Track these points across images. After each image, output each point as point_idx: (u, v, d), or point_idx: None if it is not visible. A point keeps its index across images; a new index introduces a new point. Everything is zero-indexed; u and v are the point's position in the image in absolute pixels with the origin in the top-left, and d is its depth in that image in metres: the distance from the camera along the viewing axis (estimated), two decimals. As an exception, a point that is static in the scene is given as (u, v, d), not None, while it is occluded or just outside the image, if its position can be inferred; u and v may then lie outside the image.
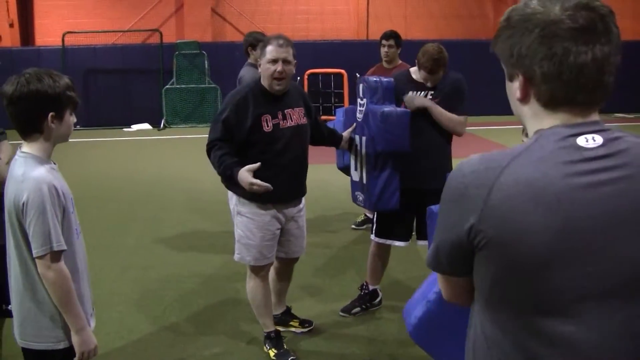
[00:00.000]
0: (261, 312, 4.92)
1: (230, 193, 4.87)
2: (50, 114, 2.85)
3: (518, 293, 1.60)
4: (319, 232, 8.06)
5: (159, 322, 5.51)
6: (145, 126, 17.96)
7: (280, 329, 5.17)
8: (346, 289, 6.05)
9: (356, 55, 17.74)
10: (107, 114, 18.19)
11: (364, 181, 5.26)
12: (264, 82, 4.61)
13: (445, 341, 2.49)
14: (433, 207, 3.63)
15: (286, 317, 5.36)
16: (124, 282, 6.35)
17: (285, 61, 4.53)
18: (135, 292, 6.15)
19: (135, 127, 17.91)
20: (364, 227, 7.94)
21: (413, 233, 5.52)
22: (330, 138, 5.28)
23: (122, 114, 18.17)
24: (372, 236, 5.55)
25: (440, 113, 5.16)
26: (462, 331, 1.92)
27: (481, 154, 1.68)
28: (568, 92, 1.61)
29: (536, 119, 1.68)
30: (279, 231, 4.81)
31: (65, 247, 2.86)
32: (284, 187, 4.59)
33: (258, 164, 4.37)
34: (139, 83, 18.48)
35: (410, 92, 5.24)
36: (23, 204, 2.79)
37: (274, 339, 4.92)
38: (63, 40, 17.82)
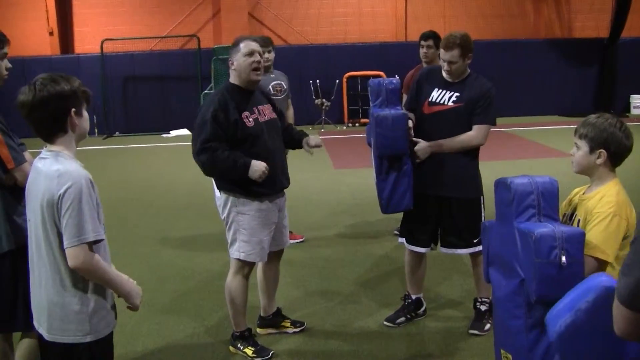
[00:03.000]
0: (240, 311, 5.00)
1: (221, 198, 4.94)
2: (72, 109, 2.96)
3: None
4: (360, 237, 7.94)
5: (197, 334, 5.42)
6: (184, 132, 17.96)
7: (273, 330, 5.39)
8: (389, 298, 5.92)
9: (395, 57, 17.62)
10: (146, 120, 18.28)
11: (376, 184, 5.25)
12: (241, 78, 4.80)
13: (589, 351, 2.50)
14: (486, 222, 3.52)
15: (277, 318, 5.44)
16: (163, 292, 6.28)
17: (260, 53, 4.78)
18: (175, 303, 6.07)
19: (174, 133, 17.94)
20: (406, 232, 7.78)
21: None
22: (289, 137, 5.24)
23: (161, 120, 18.23)
24: (399, 238, 5.54)
25: (451, 145, 5.08)
26: (609, 343, 1.95)
27: None
28: None
29: None
30: (274, 225, 4.99)
31: (103, 237, 2.98)
32: (275, 179, 4.85)
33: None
34: (177, 89, 18.53)
35: (435, 90, 5.17)
36: (60, 196, 2.85)
37: (248, 338, 5.04)
38: (102, 48, 17.94)
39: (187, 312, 5.85)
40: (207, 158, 4.62)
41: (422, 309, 5.55)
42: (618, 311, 1.63)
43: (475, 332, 5.24)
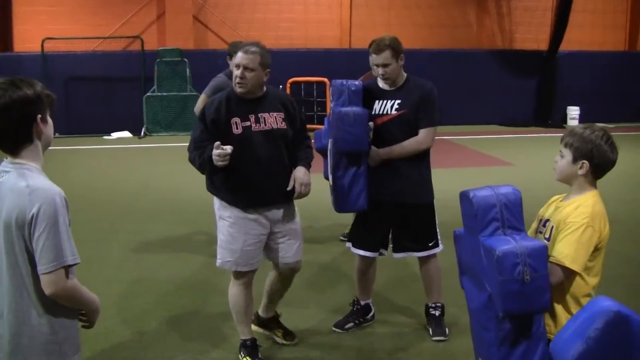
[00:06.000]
0: (240, 319, 4.90)
1: (214, 198, 4.84)
2: (39, 116, 2.71)
3: None
4: (306, 242, 7.79)
5: (146, 338, 5.37)
6: (126, 134, 17.76)
7: (264, 331, 5.31)
8: (338, 304, 5.94)
9: (339, 63, 17.68)
10: (88, 121, 17.95)
11: (330, 182, 5.20)
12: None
13: None
14: (457, 230, 3.54)
15: (272, 323, 5.35)
16: (109, 296, 6.17)
17: (247, 68, 4.58)
18: (121, 307, 6.00)
19: (115, 135, 17.70)
20: (353, 238, 7.81)
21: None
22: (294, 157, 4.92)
23: (103, 122, 17.94)
24: (347, 243, 5.55)
25: (400, 152, 5.11)
26: None
27: None
28: None
29: None
30: (264, 237, 4.77)
31: (79, 260, 2.72)
32: (260, 190, 4.66)
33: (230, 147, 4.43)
34: (120, 90, 18.26)
35: (377, 102, 5.16)
36: (33, 215, 2.59)
37: (249, 347, 4.91)
38: (42, 47, 17.58)
39: (135, 318, 5.80)
40: (190, 158, 4.68)
41: (371, 314, 5.59)
42: None
43: (440, 338, 5.27)
